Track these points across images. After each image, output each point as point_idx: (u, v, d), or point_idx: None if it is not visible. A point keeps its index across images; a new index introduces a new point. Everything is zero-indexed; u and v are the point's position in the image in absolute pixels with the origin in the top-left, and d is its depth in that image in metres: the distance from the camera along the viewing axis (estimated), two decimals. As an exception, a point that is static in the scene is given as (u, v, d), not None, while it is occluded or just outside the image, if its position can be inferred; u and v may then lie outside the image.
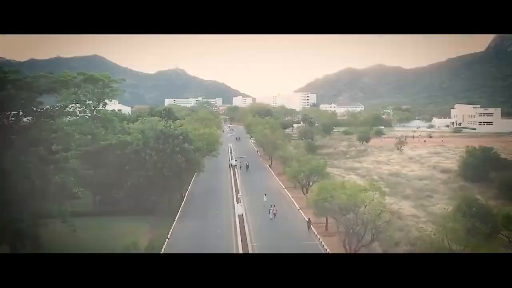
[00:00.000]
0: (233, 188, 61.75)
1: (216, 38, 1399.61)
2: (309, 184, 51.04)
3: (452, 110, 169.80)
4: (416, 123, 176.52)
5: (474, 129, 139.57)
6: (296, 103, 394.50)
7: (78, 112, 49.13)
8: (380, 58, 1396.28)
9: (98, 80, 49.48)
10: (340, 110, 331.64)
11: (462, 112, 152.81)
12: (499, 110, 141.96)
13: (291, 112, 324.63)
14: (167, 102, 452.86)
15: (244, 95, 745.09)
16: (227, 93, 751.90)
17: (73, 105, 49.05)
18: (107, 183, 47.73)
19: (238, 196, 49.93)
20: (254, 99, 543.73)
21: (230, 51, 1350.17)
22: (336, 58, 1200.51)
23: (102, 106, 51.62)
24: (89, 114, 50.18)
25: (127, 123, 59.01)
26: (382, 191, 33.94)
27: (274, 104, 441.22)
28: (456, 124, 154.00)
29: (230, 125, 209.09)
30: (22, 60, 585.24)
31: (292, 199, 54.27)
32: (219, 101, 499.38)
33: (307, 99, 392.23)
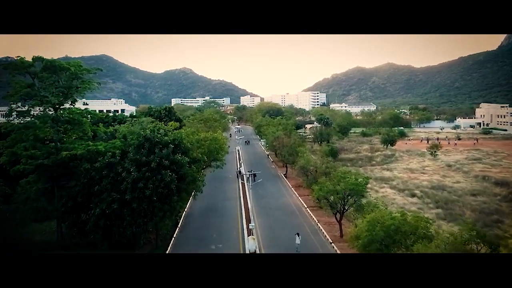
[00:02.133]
0: (242, 207, 48.64)
1: (223, 38, 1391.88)
2: (344, 208, 37.69)
3: (477, 109, 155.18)
4: (438, 123, 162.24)
5: (506, 130, 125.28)
6: (306, 102, 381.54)
7: (33, 111, 36.36)
8: (390, 56, 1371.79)
9: (63, 69, 36.52)
10: (353, 109, 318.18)
11: (490, 112, 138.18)
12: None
13: (301, 112, 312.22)
14: (174, 101, 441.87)
15: (252, 95, 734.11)
16: (234, 93, 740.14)
17: (30, 101, 36.29)
18: (72, 207, 34.84)
19: (250, 227, 36.66)
20: (262, 99, 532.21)
21: (237, 51, 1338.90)
22: (345, 57, 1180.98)
23: (71, 104, 38.65)
24: (51, 114, 37.10)
25: (105, 127, 46.06)
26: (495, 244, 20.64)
27: (283, 104, 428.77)
28: (484, 125, 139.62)
29: (238, 126, 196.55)
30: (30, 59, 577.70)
31: (319, 224, 41.01)
32: (226, 100, 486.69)
33: (317, 99, 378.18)
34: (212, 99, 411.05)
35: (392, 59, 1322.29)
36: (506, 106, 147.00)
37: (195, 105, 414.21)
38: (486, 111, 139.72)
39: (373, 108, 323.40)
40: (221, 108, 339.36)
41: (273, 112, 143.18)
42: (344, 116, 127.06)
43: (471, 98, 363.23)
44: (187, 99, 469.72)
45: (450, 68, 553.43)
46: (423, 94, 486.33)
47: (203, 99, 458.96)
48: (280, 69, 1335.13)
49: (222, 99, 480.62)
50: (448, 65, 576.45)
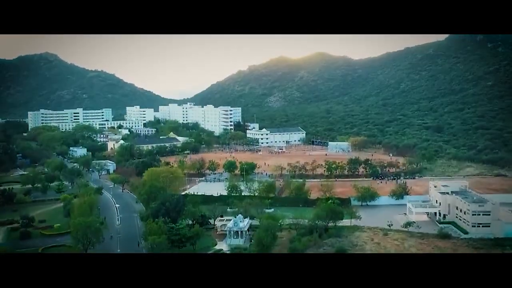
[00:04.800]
0: None
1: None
2: None
3: (432, 189, 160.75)
4: (384, 200, 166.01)
5: (467, 233, 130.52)
6: (215, 121, 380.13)
7: None
8: (322, 44, 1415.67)
9: None
10: (277, 137, 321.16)
11: (447, 201, 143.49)
12: (497, 206, 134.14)
13: (209, 139, 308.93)
14: (32, 116, 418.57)
15: (142, 92, 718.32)
16: (118, 90, 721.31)
17: None
18: None
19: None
20: (158, 94, 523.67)
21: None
22: (265, 43, 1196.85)
23: None
24: None
25: None
26: None
27: (185, 119, 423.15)
28: (440, 215, 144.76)
29: (121, 189, 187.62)
30: None
31: None
32: (107, 113, 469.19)
33: (230, 116, 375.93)
34: (87, 123, 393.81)
35: (324, 48, 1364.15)
36: (465, 188, 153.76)
37: (64, 126, 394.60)
38: (443, 199, 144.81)
39: (302, 135, 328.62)
40: (99, 137, 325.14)
41: (171, 204, 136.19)
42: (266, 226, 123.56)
43: (420, 112, 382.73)
44: (52, 114, 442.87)
45: (395, 62, 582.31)
46: (363, 99, 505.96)
47: (74, 114, 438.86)
48: (182, 54, 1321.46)
49: (101, 113, 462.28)
50: (393, 58, 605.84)
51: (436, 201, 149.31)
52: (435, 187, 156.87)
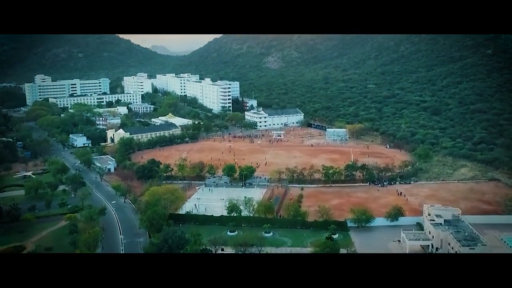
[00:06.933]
0: None
1: None
2: None
3: (425, 220, 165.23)
4: (379, 221, 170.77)
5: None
6: (213, 97, 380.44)
7: None
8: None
9: None
10: (275, 120, 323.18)
11: (440, 236, 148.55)
12: (488, 247, 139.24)
13: (207, 122, 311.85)
14: (29, 89, 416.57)
15: (139, 50, 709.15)
16: (115, 47, 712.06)
17: None
18: None
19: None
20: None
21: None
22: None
23: None
24: None
25: None
26: None
27: (183, 92, 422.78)
28: (433, 248, 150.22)
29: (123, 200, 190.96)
30: None
31: None
32: (104, 84, 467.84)
33: (228, 94, 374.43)
34: (81, 100, 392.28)
35: None
36: (458, 216, 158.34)
37: (62, 102, 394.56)
38: (436, 233, 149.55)
39: (300, 116, 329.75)
40: (98, 120, 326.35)
41: (173, 241, 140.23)
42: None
43: (419, 86, 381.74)
44: (49, 86, 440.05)
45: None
46: (360, 62, 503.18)
47: (72, 85, 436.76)
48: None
49: (98, 83, 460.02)
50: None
51: (430, 232, 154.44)
52: (428, 214, 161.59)
